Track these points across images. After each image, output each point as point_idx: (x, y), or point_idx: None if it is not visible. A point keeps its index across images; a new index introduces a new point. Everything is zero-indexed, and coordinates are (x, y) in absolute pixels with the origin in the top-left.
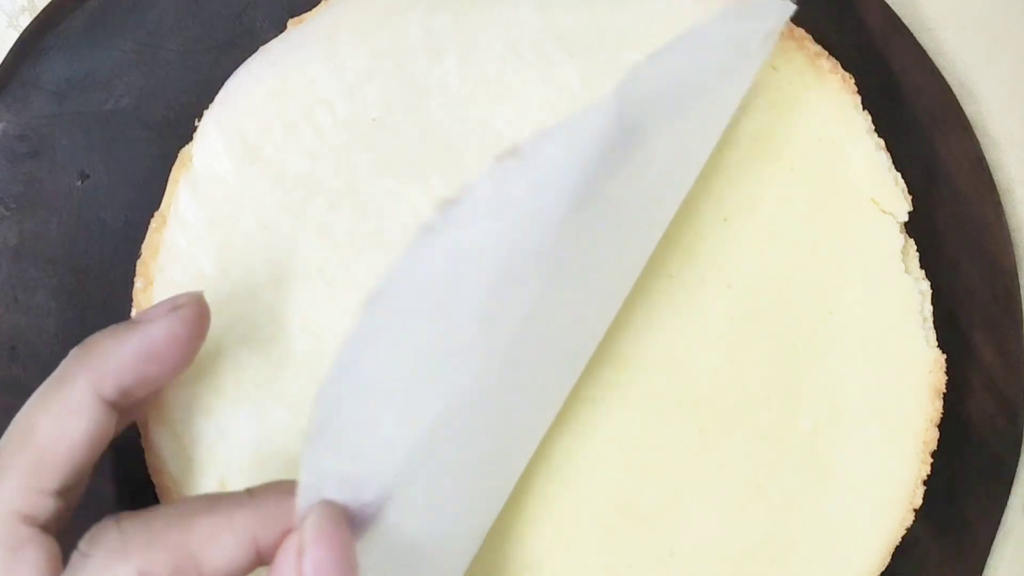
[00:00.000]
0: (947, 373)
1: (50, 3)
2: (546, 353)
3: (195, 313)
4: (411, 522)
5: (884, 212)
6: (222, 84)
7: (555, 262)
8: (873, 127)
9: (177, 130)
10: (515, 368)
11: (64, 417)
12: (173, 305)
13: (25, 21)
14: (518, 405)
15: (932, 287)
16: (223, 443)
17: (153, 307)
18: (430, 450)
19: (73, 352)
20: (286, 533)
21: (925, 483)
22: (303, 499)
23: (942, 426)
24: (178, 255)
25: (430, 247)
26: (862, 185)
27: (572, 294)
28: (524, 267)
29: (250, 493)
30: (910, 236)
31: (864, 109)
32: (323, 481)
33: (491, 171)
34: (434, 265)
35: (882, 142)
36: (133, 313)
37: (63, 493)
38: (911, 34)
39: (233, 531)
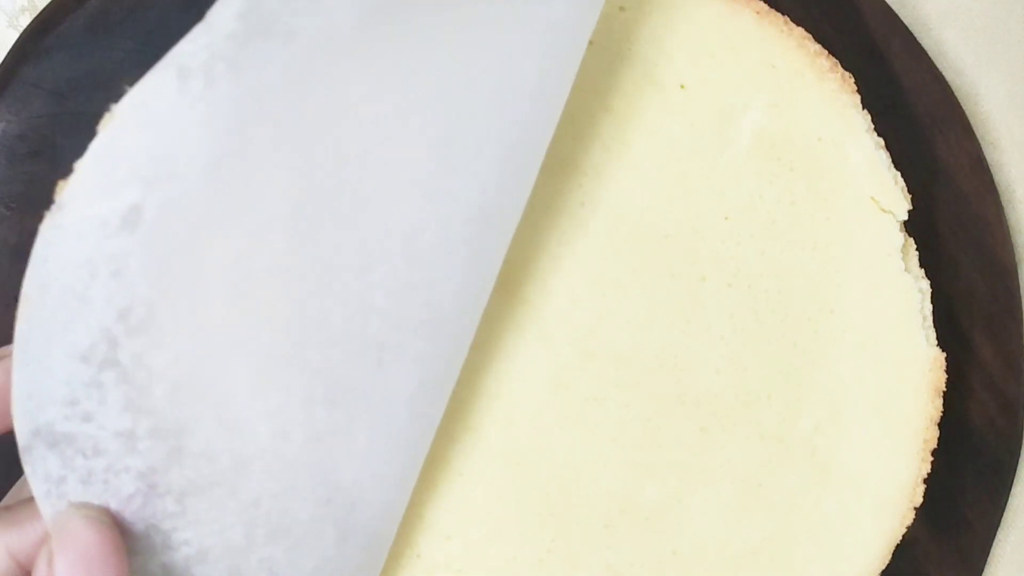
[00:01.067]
0: (947, 372)
1: (50, 3)
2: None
3: None
4: (215, 502)
5: (884, 211)
6: None
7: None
8: (873, 126)
9: None
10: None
11: None
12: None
13: (25, 21)
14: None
15: (932, 286)
16: None
17: None
18: (179, 423)
19: None
20: (43, 543)
21: (925, 482)
22: (47, 507)
23: (942, 425)
24: None
25: (57, 232)
26: (862, 184)
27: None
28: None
29: (7, 508)
30: (910, 235)
31: (864, 108)
32: (62, 486)
33: (106, 140)
34: (71, 248)
35: (882, 141)
36: None
37: None
38: (911, 34)
39: None
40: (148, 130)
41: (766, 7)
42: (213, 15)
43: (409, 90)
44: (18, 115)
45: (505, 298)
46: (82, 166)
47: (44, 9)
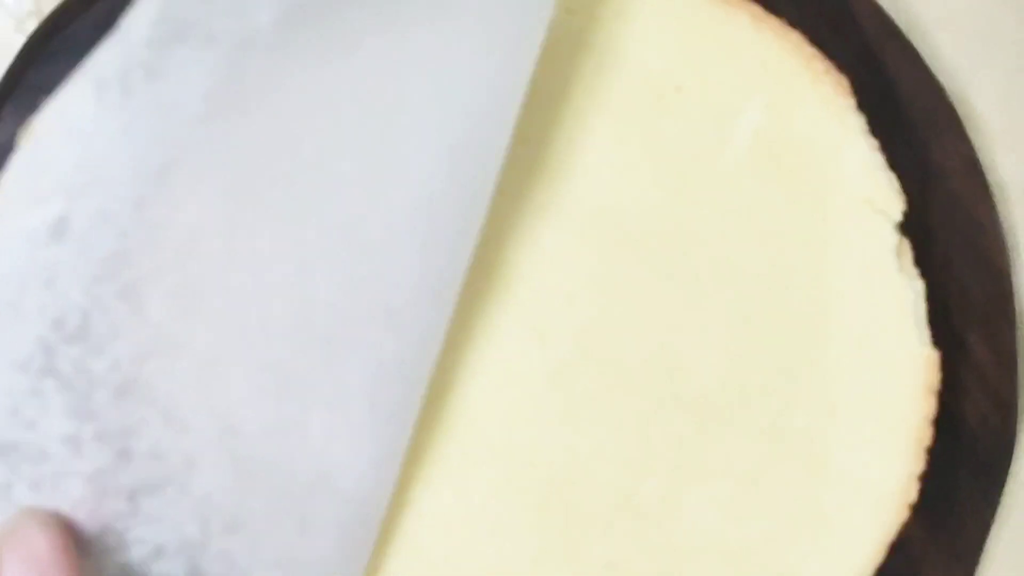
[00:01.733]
0: (941, 371)
1: (57, 7)
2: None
3: None
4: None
5: (878, 212)
6: None
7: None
8: (868, 128)
9: None
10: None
11: None
12: None
13: (32, 25)
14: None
15: (926, 286)
16: None
17: None
18: (124, 426)
19: None
20: None
21: (919, 480)
22: None
23: (936, 424)
24: None
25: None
26: (857, 185)
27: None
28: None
29: None
30: (904, 236)
31: (859, 111)
32: (10, 491)
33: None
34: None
35: (876, 143)
36: None
37: None
38: (906, 37)
39: None
40: (69, 142)
41: (762, 10)
42: (127, 23)
43: (340, 81)
44: (25, 119)
45: (501, 298)
46: (5, 181)
47: (51, 14)
